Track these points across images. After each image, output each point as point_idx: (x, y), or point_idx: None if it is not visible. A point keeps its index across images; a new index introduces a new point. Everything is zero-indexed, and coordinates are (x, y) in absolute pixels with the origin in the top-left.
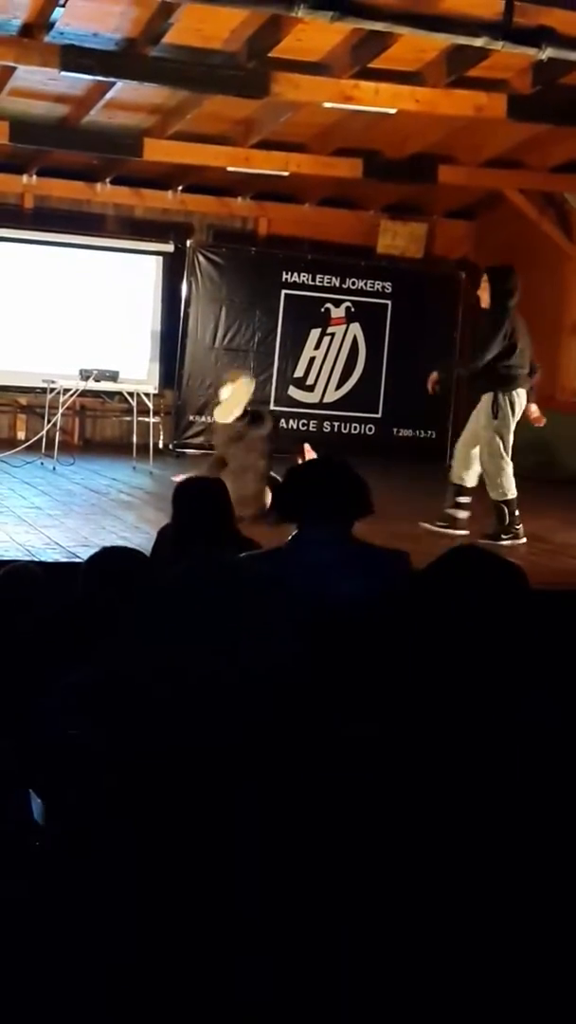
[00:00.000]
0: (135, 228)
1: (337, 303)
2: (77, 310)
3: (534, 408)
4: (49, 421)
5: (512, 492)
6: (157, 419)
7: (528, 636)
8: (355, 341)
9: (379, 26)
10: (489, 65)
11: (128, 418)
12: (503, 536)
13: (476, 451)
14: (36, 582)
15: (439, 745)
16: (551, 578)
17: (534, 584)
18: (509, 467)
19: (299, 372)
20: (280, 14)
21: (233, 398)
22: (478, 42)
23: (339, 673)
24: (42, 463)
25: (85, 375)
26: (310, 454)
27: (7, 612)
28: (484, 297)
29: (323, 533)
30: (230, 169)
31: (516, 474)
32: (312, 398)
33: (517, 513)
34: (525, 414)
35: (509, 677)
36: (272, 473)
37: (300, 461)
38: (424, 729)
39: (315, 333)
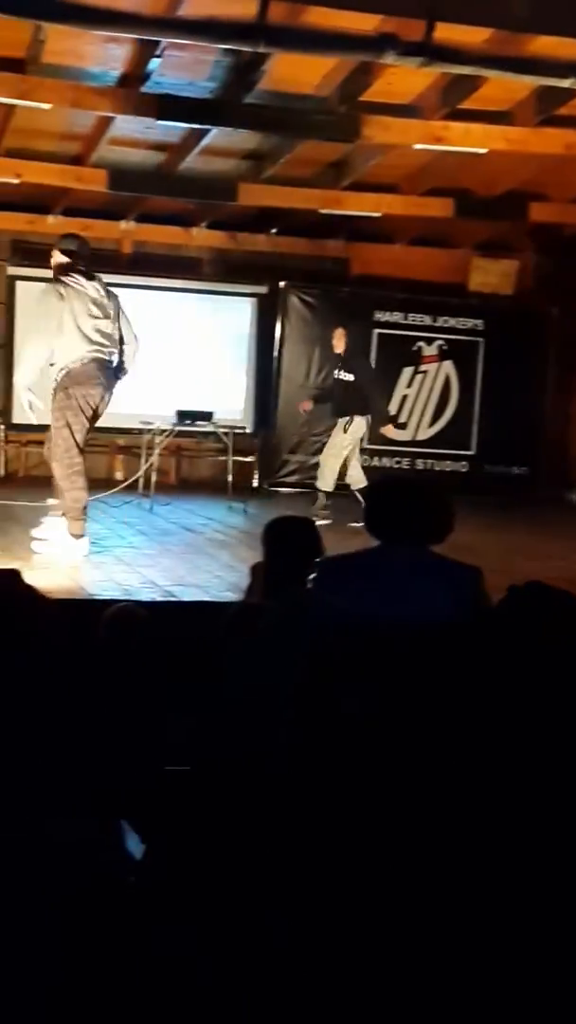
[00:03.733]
0: (230, 271)
1: (429, 341)
2: (173, 352)
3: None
4: (146, 461)
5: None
6: (251, 458)
7: None
8: (447, 379)
9: (467, 70)
10: None
11: (223, 457)
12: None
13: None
14: (141, 623)
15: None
16: None
17: None
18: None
19: (391, 410)
20: (370, 60)
21: None
22: (566, 83)
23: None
24: (139, 503)
25: (181, 416)
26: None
27: (115, 652)
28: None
29: (400, 550)
30: (322, 211)
31: None
32: (405, 436)
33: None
34: None
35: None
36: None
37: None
38: (496, 759)
39: (407, 371)
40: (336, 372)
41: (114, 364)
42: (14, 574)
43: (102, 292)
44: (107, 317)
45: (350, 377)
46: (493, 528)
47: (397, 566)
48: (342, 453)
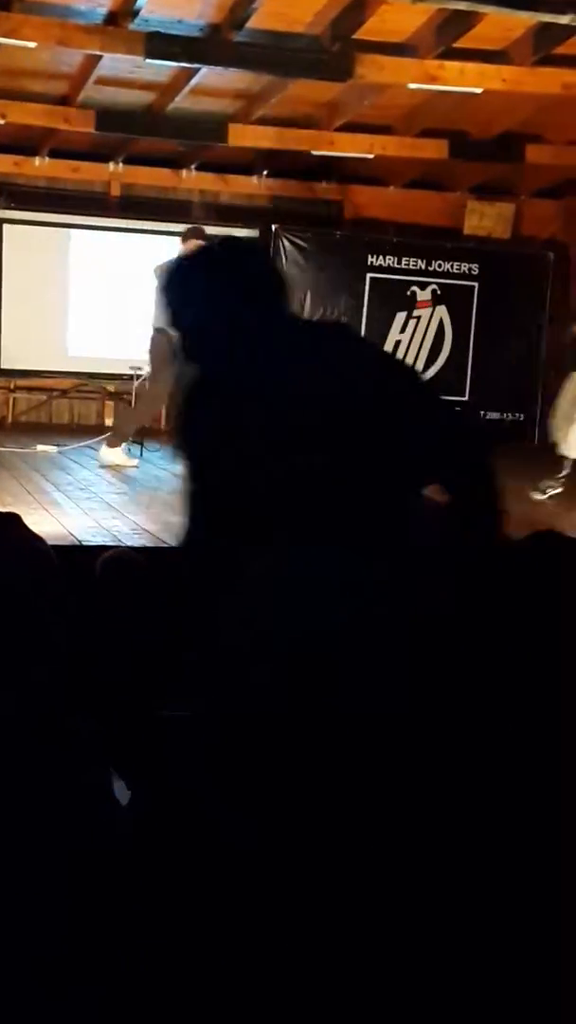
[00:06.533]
0: (220, 214)
1: (423, 286)
2: None
3: None
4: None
5: None
6: None
7: None
8: (441, 324)
9: (462, 5)
10: None
11: None
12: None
13: None
14: (138, 569)
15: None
16: None
17: None
18: None
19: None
20: None
21: None
22: (564, 19)
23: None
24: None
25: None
26: None
27: (110, 598)
28: None
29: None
30: (315, 153)
31: None
32: None
33: None
34: None
35: None
36: None
37: None
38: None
39: (401, 316)
40: None
41: None
42: (15, 518)
43: None
44: None
45: None
46: None
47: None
48: None
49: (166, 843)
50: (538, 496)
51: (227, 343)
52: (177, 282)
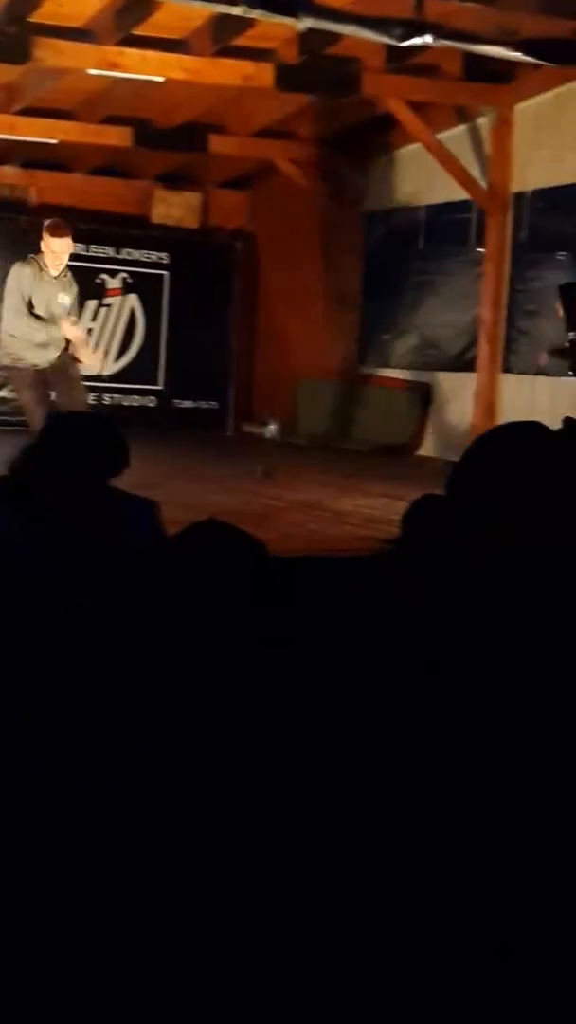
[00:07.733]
0: None
1: (113, 274)
2: None
3: None
4: None
5: None
6: None
7: None
8: (132, 312)
9: None
10: (256, 35)
11: None
12: None
13: None
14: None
15: None
16: (330, 545)
17: (314, 550)
18: None
19: None
20: None
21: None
22: (236, 10)
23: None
24: None
25: None
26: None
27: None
28: None
29: (75, 485)
30: None
31: (299, 445)
32: (91, 371)
33: None
34: None
35: None
36: None
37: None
38: None
39: (91, 305)
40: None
41: None
42: None
43: None
44: None
45: None
46: (182, 463)
47: (73, 501)
48: None
49: (122, 844)
50: None
51: None
52: None
